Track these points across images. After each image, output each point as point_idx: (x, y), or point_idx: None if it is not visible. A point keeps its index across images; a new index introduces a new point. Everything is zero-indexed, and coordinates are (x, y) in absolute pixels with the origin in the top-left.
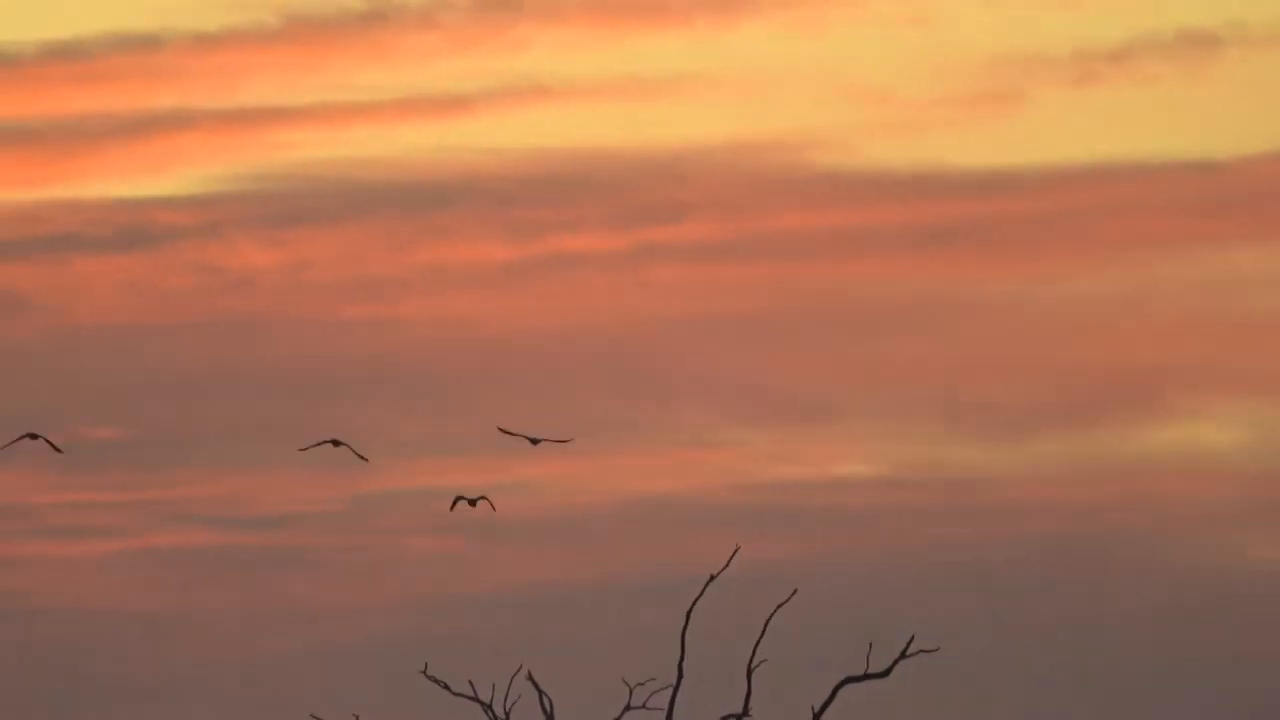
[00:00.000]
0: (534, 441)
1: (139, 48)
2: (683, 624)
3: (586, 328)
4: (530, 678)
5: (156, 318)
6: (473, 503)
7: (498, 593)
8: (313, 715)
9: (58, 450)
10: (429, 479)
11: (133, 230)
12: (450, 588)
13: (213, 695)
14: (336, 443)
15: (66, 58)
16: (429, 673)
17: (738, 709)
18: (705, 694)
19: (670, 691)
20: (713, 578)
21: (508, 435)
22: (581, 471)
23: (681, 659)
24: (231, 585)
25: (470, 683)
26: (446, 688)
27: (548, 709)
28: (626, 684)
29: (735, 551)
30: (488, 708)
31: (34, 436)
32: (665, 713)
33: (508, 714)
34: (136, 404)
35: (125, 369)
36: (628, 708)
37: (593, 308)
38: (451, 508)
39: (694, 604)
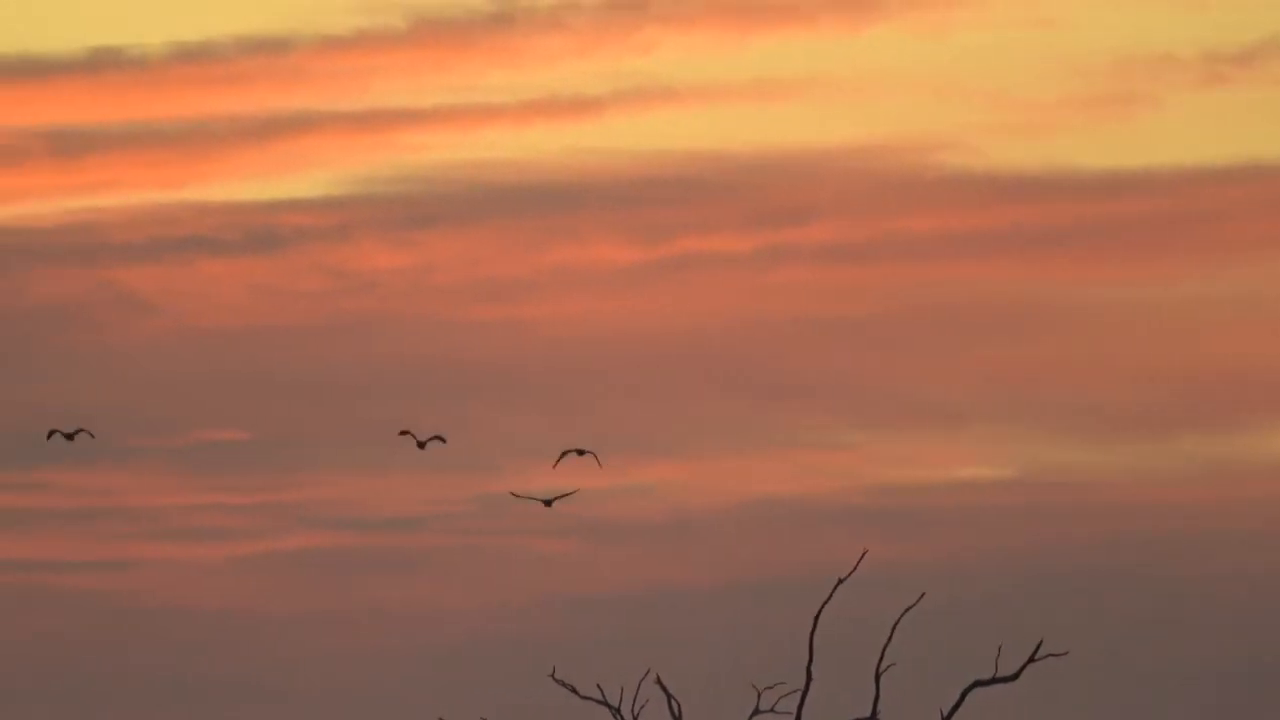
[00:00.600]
0: (547, 504)
1: (268, 51)
2: (811, 627)
3: (711, 329)
4: (659, 681)
5: (283, 320)
6: (548, 503)
7: (625, 595)
8: (440, 718)
9: (91, 436)
10: (554, 480)
11: (260, 233)
12: (576, 589)
13: (338, 697)
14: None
15: (196, 60)
16: (557, 676)
17: (866, 712)
18: (833, 697)
19: (799, 695)
20: (841, 581)
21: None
22: (709, 474)
23: (810, 662)
24: (356, 587)
25: (599, 686)
26: (574, 691)
27: (676, 713)
28: (755, 687)
29: (863, 555)
30: (616, 711)
31: (69, 437)
32: (794, 716)
33: (636, 718)
34: (262, 406)
35: (251, 371)
36: (756, 711)
37: (718, 309)
38: (549, 505)
39: (822, 607)
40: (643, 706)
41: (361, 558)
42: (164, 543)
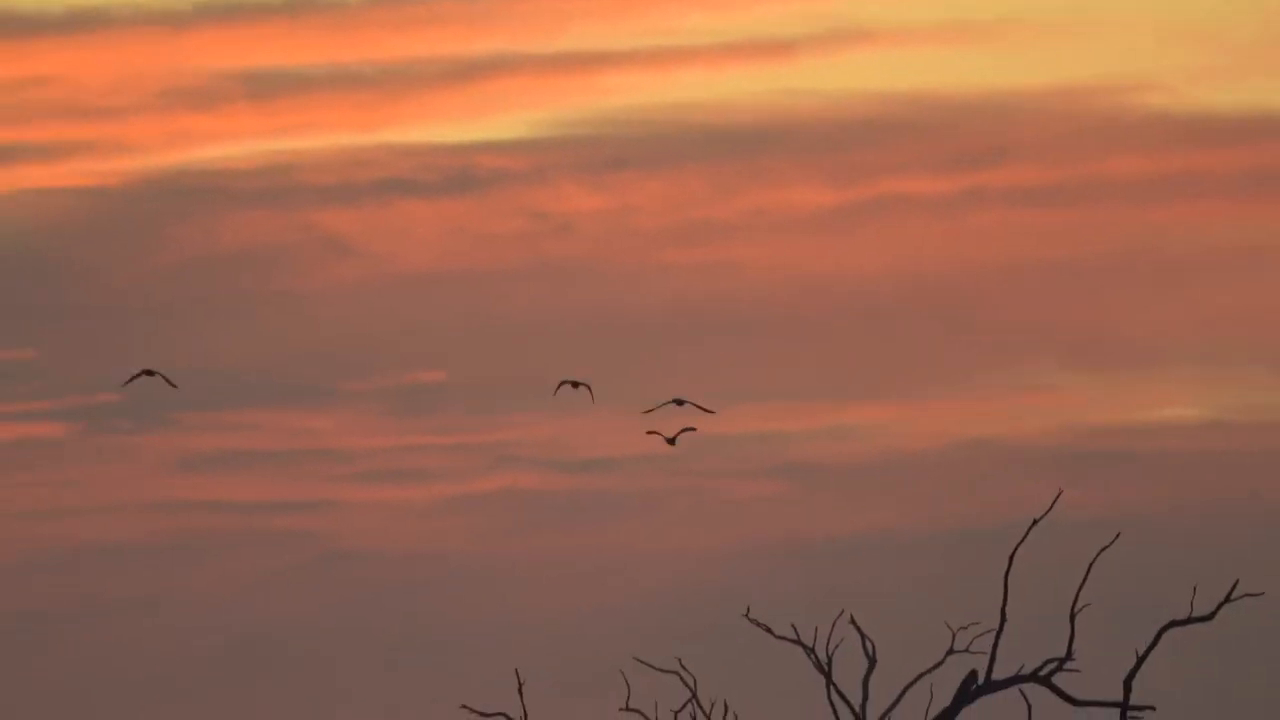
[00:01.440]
0: (671, 441)
1: None
2: (1006, 568)
3: (910, 272)
4: (853, 622)
5: (481, 262)
6: (672, 441)
7: (821, 537)
8: (635, 658)
9: (173, 385)
10: (753, 424)
11: (457, 175)
12: (773, 532)
13: (535, 639)
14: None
15: (393, 3)
16: (751, 616)
17: (1061, 653)
18: (1028, 638)
19: (993, 635)
20: (1036, 522)
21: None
22: (907, 416)
23: (1005, 603)
24: (556, 529)
25: (793, 626)
26: (769, 631)
27: (870, 653)
28: (949, 628)
29: (1058, 496)
30: (810, 651)
31: (150, 373)
32: (988, 657)
33: (830, 658)
34: (462, 348)
35: (451, 313)
36: (950, 651)
37: (917, 252)
38: (673, 440)
39: (1017, 548)
40: (837, 646)
41: (562, 499)
42: (366, 484)
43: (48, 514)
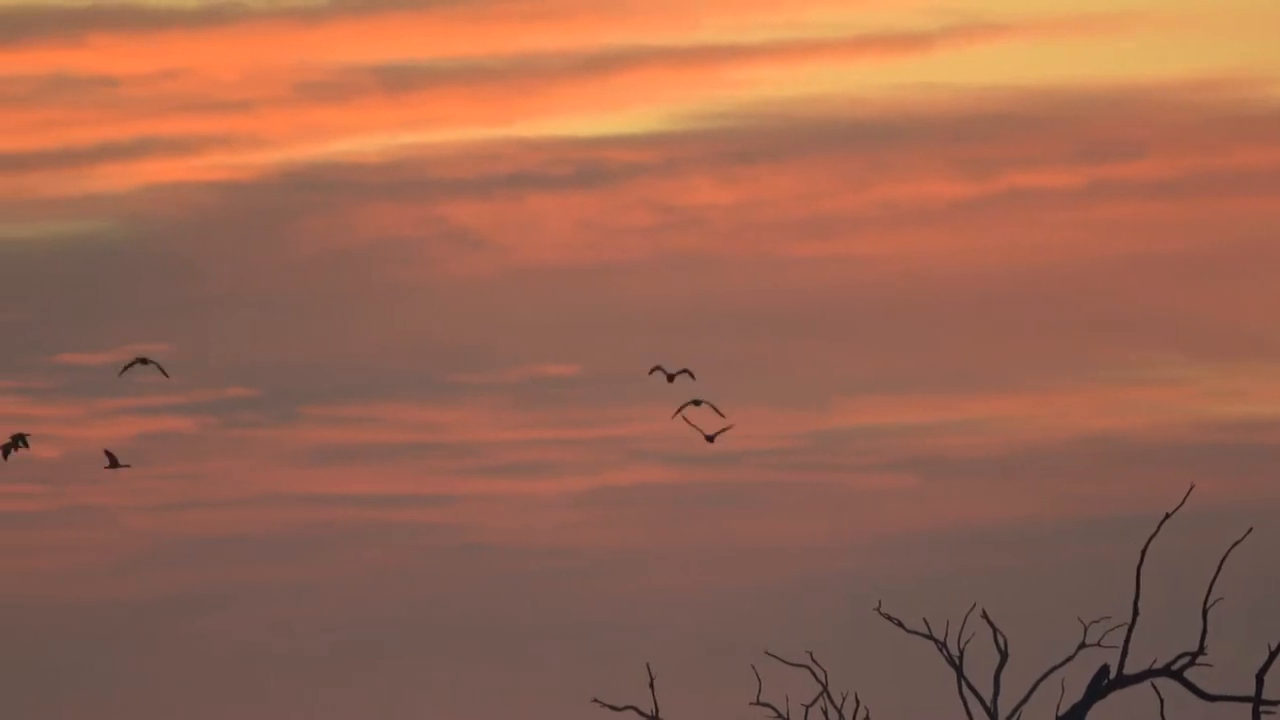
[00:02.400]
0: (710, 439)
1: None
2: (1138, 561)
3: (1039, 265)
4: (985, 616)
5: (611, 255)
6: (710, 439)
7: (951, 530)
8: (767, 652)
9: (165, 375)
10: (881, 416)
11: (588, 168)
12: (904, 525)
13: (665, 631)
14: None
15: None
16: (882, 610)
17: (1193, 647)
18: (1160, 632)
19: (1125, 630)
20: (1168, 516)
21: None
22: (1036, 409)
23: (1137, 597)
24: (686, 522)
25: (924, 620)
26: (901, 625)
27: (1002, 647)
28: (1081, 622)
29: (1190, 490)
30: (942, 645)
31: (145, 361)
32: (1120, 651)
33: (961, 652)
34: (591, 341)
35: (580, 306)
36: (1082, 645)
37: (1045, 245)
38: (711, 440)
39: (1149, 541)
40: (968, 641)
41: (692, 493)
42: (495, 478)
43: (179, 507)
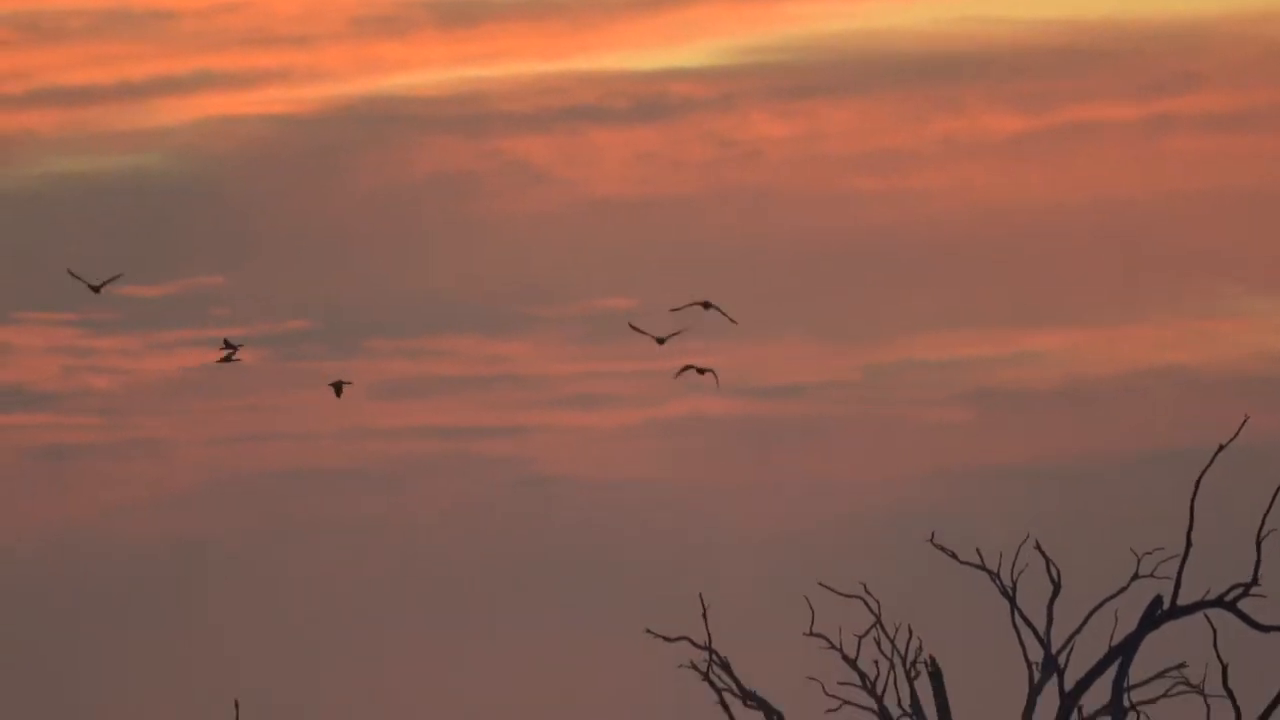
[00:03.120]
0: (701, 371)
1: None
2: (1192, 493)
3: (1099, 198)
4: (1038, 547)
5: (670, 188)
6: (701, 371)
7: (1006, 463)
8: (820, 584)
9: (100, 285)
10: (940, 350)
11: (648, 102)
12: (959, 458)
13: (720, 564)
14: (707, 305)
15: None
16: (936, 541)
17: (1246, 578)
18: (1214, 564)
19: (1179, 561)
20: (1222, 447)
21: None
22: (1093, 342)
23: (1190, 528)
24: (742, 455)
25: (978, 551)
26: (954, 556)
27: (1055, 578)
28: (1134, 553)
29: (1245, 421)
30: (995, 576)
31: (96, 290)
32: (1173, 582)
33: (1015, 583)
34: (651, 274)
35: (640, 240)
36: (1135, 577)
37: (1105, 178)
38: (661, 343)
39: (1203, 473)
40: (1021, 572)
41: (748, 425)
42: (558, 410)
43: (237, 440)
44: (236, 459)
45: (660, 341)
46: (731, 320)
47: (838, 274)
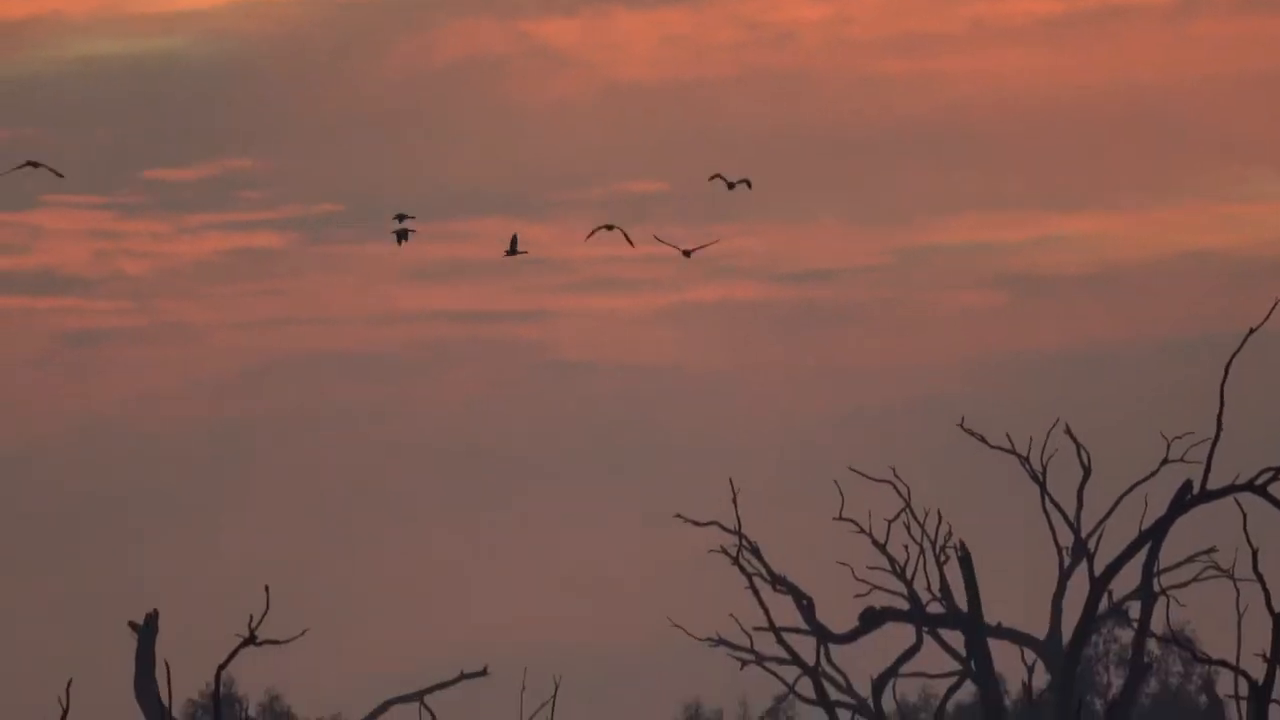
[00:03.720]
0: (686, 254)
1: None
2: (1222, 377)
3: (1129, 82)
4: (1068, 431)
5: (698, 72)
6: (609, 228)
7: (1038, 348)
8: (850, 468)
9: (59, 175)
10: (970, 234)
11: None
12: (990, 343)
13: (750, 449)
14: (609, 227)
15: None
16: (965, 425)
17: (1277, 463)
18: (1244, 448)
19: (1209, 445)
20: (1252, 331)
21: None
22: (1123, 227)
23: (1220, 412)
24: (773, 340)
25: (1008, 436)
26: (984, 440)
27: (1085, 462)
28: (1164, 437)
29: (1276, 304)
30: (1025, 461)
31: (35, 165)
32: (1203, 466)
33: (1044, 468)
34: (679, 158)
35: (667, 124)
36: (1165, 461)
37: (1136, 62)
38: (688, 255)
39: (1233, 357)
40: (1051, 456)
41: (779, 310)
42: (584, 294)
43: (268, 324)
44: (267, 343)
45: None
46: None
47: (867, 158)
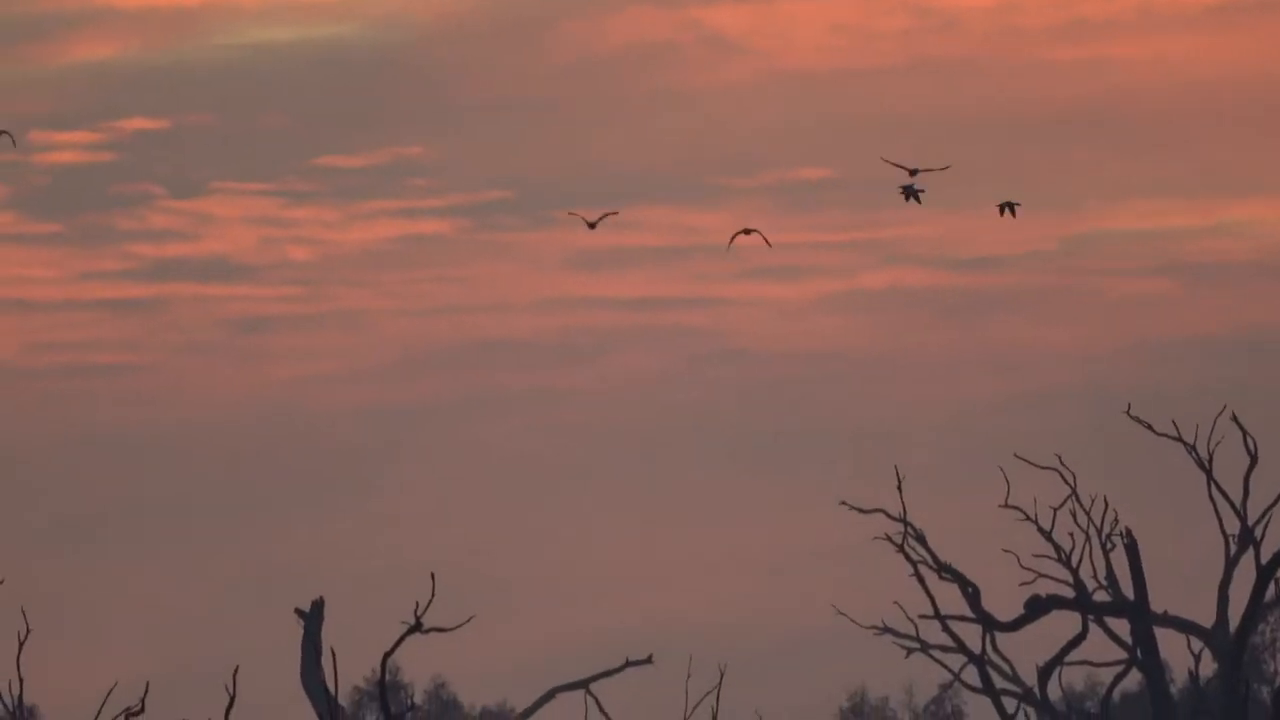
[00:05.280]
0: (912, 172)
1: None
2: None
3: None
4: (1234, 419)
5: (866, 60)
6: (748, 232)
7: (1205, 335)
8: (1016, 455)
9: (13, 143)
10: (1139, 220)
11: None
12: (1157, 330)
13: (915, 435)
14: (914, 173)
15: None
16: (1132, 413)
17: None
18: None
19: None
20: None
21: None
22: None
23: None
24: (941, 326)
25: (1174, 423)
26: (1150, 428)
27: (1252, 450)
28: None
29: None
30: (1191, 448)
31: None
32: None
33: (1211, 455)
34: (848, 145)
35: (836, 111)
36: None
37: None
38: (592, 227)
39: None
40: (1218, 444)
41: (948, 297)
42: (755, 281)
43: (435, 311)
44: (433, 330)
45: (591, 225)
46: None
47: (1036, 144)
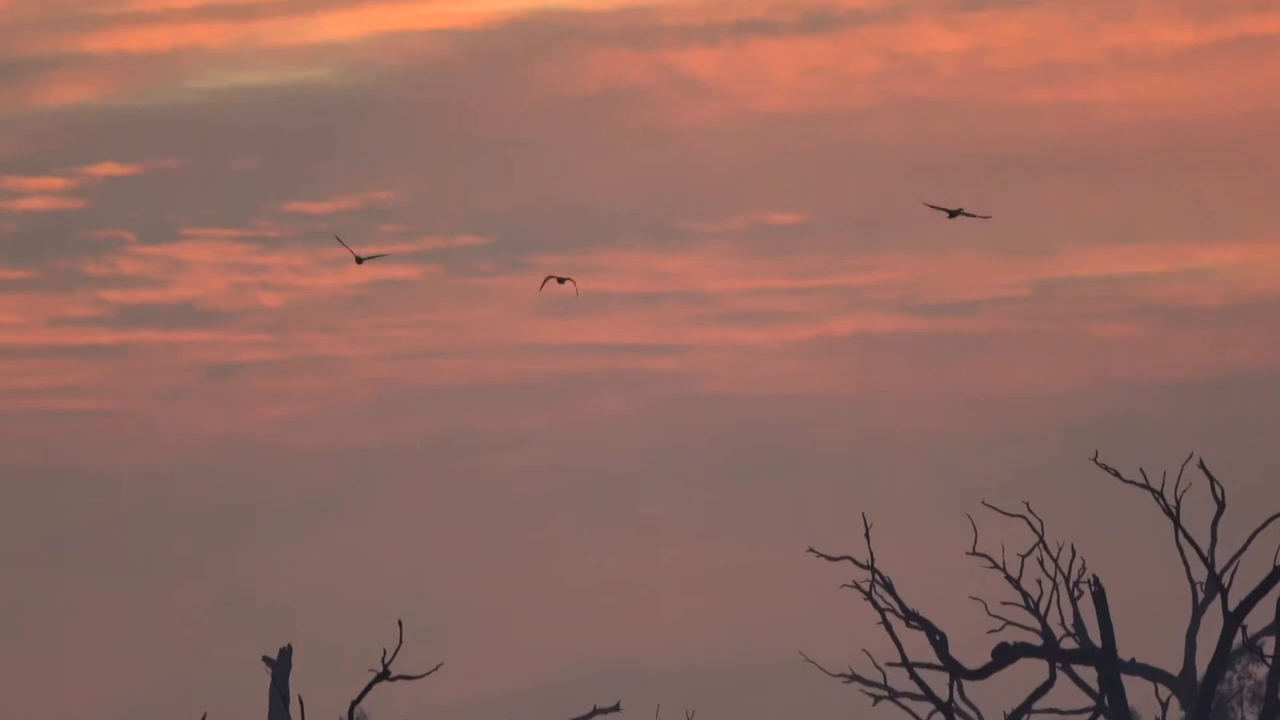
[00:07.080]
0: (951, 214)
1: None
2: None
3: (1270, 112)
4: (1202, 465)
5: (837, 102)
6: (561, 280)
7: (1174, 378)
8: (984, 502)
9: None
10: (1110, 265)
11: (815, 14)
12: (1127, 373)
13: (883, 482)
14: (953, 213)
15: None
16: (1100, 460)
17: None
18: None
19: None
20: None
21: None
22: (1264, 258)
23: None
24: (907, 370)
25: (1141, 470)
26: (1117, 475)
27: (1219, 497)
28: None
29: None
30: (1159, 495)
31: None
32: None
33: (1179, 502)
34: (818, 189)
35: (806, 153)
36: None
37: (1277, 92)
38: (541, 287)
39: None
40: (1185, 491)
41: (917, 341)
42: (723, 326)
43: (406, 356)
44: (404, 375)
45: (359, 260)
46: (984, 216)
47: (1006, 188)
